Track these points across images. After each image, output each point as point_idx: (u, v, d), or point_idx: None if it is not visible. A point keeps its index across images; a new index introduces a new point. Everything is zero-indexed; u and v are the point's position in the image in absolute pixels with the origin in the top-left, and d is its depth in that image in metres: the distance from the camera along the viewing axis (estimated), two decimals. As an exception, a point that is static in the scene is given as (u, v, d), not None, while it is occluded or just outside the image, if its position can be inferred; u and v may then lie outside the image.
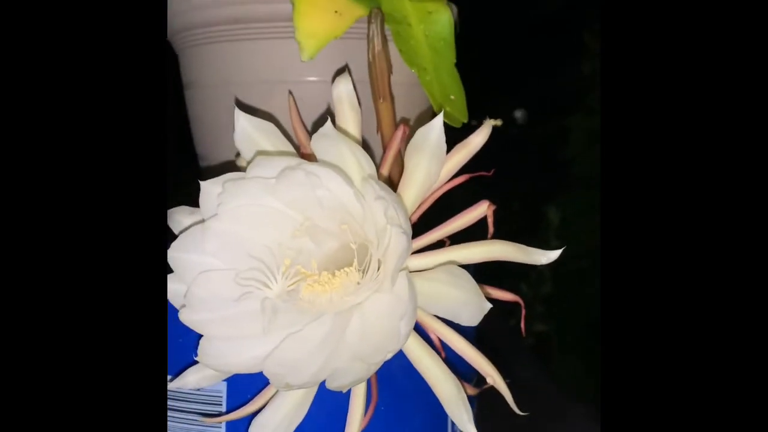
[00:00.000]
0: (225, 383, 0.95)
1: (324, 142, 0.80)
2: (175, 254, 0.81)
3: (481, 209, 0.87)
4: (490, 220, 0.87)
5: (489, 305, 0.74)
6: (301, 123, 0.91)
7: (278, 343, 0.81)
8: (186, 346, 0.92)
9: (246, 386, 0.95)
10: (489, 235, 0.87)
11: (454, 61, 0.94)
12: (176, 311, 0.83)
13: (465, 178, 0.86)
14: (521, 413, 0.81)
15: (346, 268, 0.80)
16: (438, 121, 0.78)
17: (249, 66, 1.05)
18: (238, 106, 0.86)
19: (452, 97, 0.91)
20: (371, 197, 0.77)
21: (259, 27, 1.03)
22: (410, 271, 0.80)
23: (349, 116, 0.86)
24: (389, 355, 0.75)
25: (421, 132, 0.79)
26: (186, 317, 0.80)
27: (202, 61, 1.07)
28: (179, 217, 0.87)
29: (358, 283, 0.80)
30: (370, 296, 0.81)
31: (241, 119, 0.84)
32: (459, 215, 0.87)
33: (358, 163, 0.79)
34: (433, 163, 0.80)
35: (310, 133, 0.84)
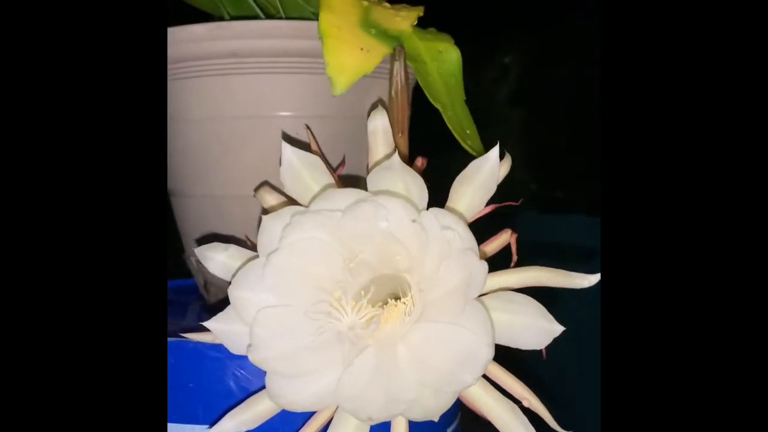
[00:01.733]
0: (239, 428, 0.92)
1: (384, 174, 0.80)
2: (236, 293, 0.78)
3: (504, 237, 0.90)
4: (513, 248, 0.90)
5: (560, 328, 0.77)
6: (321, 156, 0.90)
7: (336, 378, 0.79)
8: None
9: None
10: (512, 263, 0.90)
11: (464, 97, 0.97)
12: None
13: (492, 208, 0.89)
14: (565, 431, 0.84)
15: (403, 299, 0.80)
16: (494, 154, 0.80)
17: (240, 100, 1.03)
18: (285, 140, 0.84)
19: (468, 131, 0.94)
20: (436, 228, 0.77)
21: (253, 61, 1.01)
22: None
23: (381, 150, 0.86)
24: (468, 380, 0.75)
25: (475, 164, 0.81)
26: (254, 357, 0.76)
27: (189, 94, 1.03)
28: (212, 254, 0.83)
29: (406, 314, 0.80)
30: (418, 326, 0.82)
31: (288, 151, 0.83)
32: (483, 244, 0.89)
33: (418, 195, 0.80)
34: (478, 194, 0.83)
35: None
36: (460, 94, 0.96)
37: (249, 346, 0.77)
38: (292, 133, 1.01)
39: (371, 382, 0.79)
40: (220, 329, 0.79)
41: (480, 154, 0.92)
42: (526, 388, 0.86)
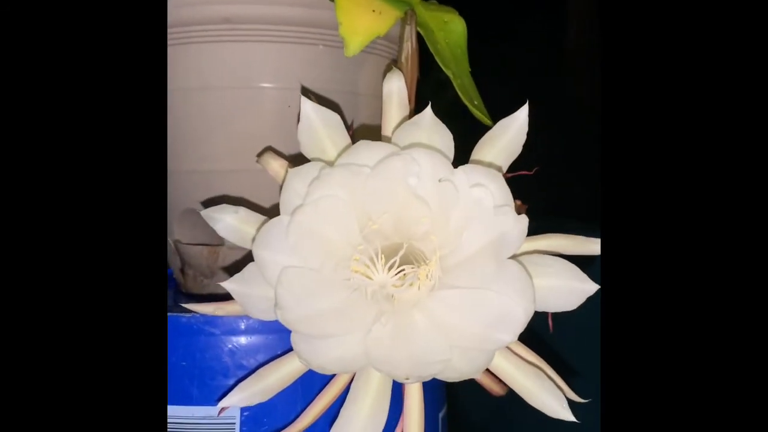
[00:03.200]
0: (238, 410, 0.85)
1: (411, 131, 0.75)
2: (259, 252, 0.72)
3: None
4: None
5: (594, 287, 0.74)
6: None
7: (357, 343, 0.74)
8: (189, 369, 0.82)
9: (260, 412, 0.86)
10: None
11: (469, 69, 0.94)
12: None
13: (506, 176, 0.86)
14: (583, 400, 0.81)
15: (427, 263, 0.75)
16: (522, 113, 0.77)
17: (230, 70, 0.97)
18: (304, 95, 0.78)
19: (475, 102, 0.91)
20: (465, 186, 0.73)
21: (246, 28, 0.96)
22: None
23: (395, 115, 0.82)
24: (506, 338, 0.71)
25: (502, 123, 0.78)
26: (284, 317, 0.70)
27: (175, 62, 0.97)
28: (221, 216, 0.77)
29: (428, 278, 0.76)
30: (436, 293, 0.77)
31: (308, 107, 0.77)
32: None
33: (449, 153, 0.76)
34: (502, 156, 0.79)
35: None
36: (465, 66, 0.93)
37: (276, 305, 0.71)
38: (283, 107, 0.96)
39: (393, 346, 0.74)
40: (238, 291, 0.73)
41: (489, 120, 0.89)
42: (540, 358, 0.82)
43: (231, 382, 0.87)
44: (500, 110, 0.83)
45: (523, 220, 0.72)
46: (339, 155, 0.74)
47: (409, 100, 0.89)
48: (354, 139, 0.79)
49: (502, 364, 0.78)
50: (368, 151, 0.73)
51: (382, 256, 0.74)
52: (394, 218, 0.77)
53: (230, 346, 0.87)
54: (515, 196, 0.83)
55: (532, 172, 0.88)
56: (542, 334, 0.83)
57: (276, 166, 0.84)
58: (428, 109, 0.74)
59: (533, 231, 0.82)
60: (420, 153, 0.72)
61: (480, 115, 0.88)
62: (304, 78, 0.96)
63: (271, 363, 0.78)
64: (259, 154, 0.87)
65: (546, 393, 0.76)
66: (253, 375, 0.78)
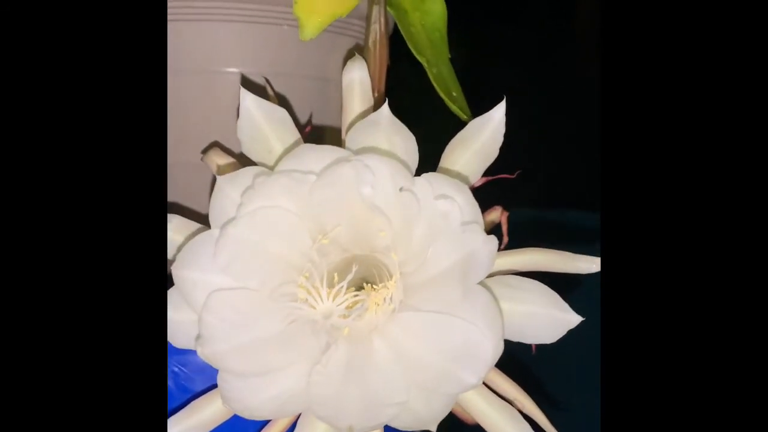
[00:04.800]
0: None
1: (368, 131, 0.63)
2: (180, 273, 0.60)
3: (494, 215, 0.74)
4: (504, 228, 0.75)
5: (577, 318, 0.62)
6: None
7: (303, 378, 0.62)
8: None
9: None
10: (502, 245, 0.75)
11: (449, 56, 0.81)
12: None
13: (483, 181, 0.73)
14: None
15: (383, 284, 0.64)
16: (498, 113, 0.65)
17: (187, 52, 0.84)
18: (245, 87, 0.66)
19: (454, 93, 0.78)
20: (429, 197, 0.61)
21: (205, 6, 0.83)
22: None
23: (357, 107, 0.70)
24: (469, 379, 0.60)
25: (475, 123, 0.65)
26: (204, 351, 0.59)
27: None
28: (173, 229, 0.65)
29: (387, 302, 0.64)
30: (399, 316, 0.65)
31: (248, 101, 0.65)
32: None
33: (408, 158, 0.64)
34: (476, 161, 0.67)
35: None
36: (444, 52, 0.81)
37: (197, 337, 0.59)
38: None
39: (345, 382, 0.62)
40: (171, 320, 0.62)
41: (466, 115, 0.77)
42: (519, 388, 0.70)
43: (174, 405, 0.76)
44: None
45: (493, 241, 0.60)
46: (279, 160, 0.62)
47: (378, 90, 0.77)
48: (323, 138, 0.67)
49: (471, 397, 0.67)
50: (314, 155, 0.61)
51: (330, 278, 0.63)
52: (351, 230, 0.65)
53: (172, 366, 0.76)
54: (504, 195, 0.72)
55: (513, 175, 0.75)
56: (522, 357, 0.71)
57: (221, 164, 0.72)
58: (385, 107, 0.62)
59: (535, 220, 0.70)
60: (374, 159, 0.60)
61: (457, 109, 0.76)
62: (271, 61, 0.84)
63: (207, 393, 0.67)
64: (204, 150, 0.75)
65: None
66: (188, 406, 0.67)
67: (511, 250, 0.70)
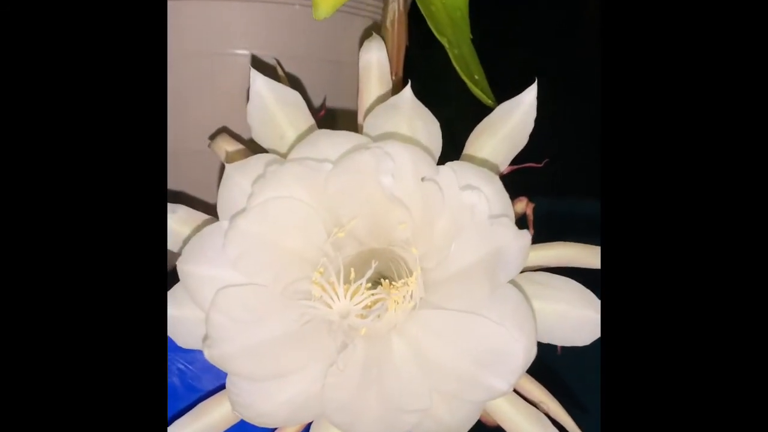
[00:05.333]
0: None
1: (388, 115, 0.58)
2: (187, 268, 0.55)
3: (518, 207, 0.70)
4: (529, 221, 0.70)
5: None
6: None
7: (318, 382, 0.58)
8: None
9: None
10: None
11: (470, 36, 0.76)
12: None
13: (510, 170, 0.68)
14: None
15: (407, 279, 0.59)
16: (529, 96, 0.60)
17: (192, 33, 0.79)
18: (255, 68, 0.61)
19: (476, 77, 0.73)
20: (454, 187, 0.56)
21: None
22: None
23: (374, 91, 0.65)
24: (498, 386, 0.55)
25: (504, 107, 0.60)
26: (212, 353, 0.54)
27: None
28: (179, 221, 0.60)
29: (407, 299, 0.59)
30: (419, 314, 0.61)
31: (259, 83, 0.60)
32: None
33: (432, 145, 0.59)
34: (504, 148, 0.62)
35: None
36: (465, 32, 0.75)
37: (205, 338, 0.55)
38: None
39: (362, 385, 0.58)
40: (171, 317, 0.57)
41: (491, 100, 0.72)
42: (544, 389, 0.66)
43: (181, 406, 0.71)
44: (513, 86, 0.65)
45: (525, 237, 0.55)
46: (291, 147, 0.57)
47: (396, 73, 0.72)
48: (336, 124, 0.62)
49: (497, 402, 0.62)
50: (329, 142, 0.56)
51: (347, 273, 0.58)
52: (368, 222, 0.60)
53: (178, 364, 0.72)
54: (521, 188, 0.67)
55: (541, 164, 0.70)
56: (547, 356, 0.66)
57: (230, 151, 0.67)
58: (408, 89, 0.57)
59: (546, 211, 0.66)
60: (395, 146, 0.56)
61: (480, 93, 0.70)
62: (282, 43, 0.78)
63: (215, 395, 0.62)
64: (212, 136, 0.70)
65: None
66: (194, 409, 0.63)
67: (538, 245, 0.65)
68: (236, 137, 0.71)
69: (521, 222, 0.70)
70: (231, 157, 0.67)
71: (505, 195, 0.57)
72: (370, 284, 0.61)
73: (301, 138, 0.60)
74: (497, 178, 0.57)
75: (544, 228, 0.69)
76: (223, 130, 0.71)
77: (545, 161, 0.69)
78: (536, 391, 0.65)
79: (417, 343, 0.60)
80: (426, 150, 0.58)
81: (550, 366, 0.68)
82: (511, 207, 0.57)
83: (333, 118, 0.77)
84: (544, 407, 0.65)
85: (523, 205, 0.69)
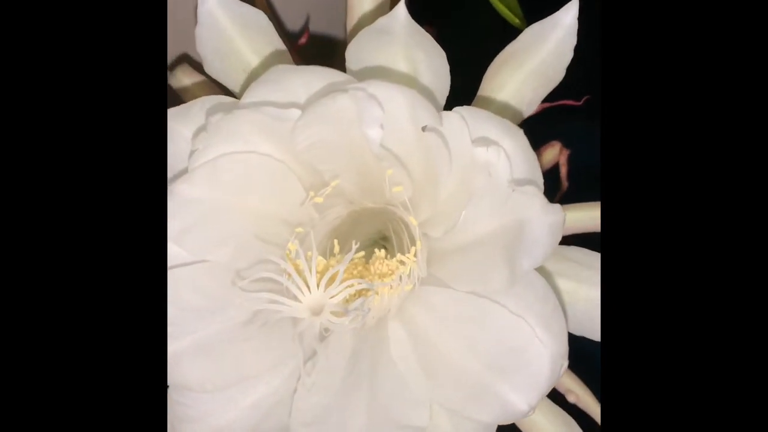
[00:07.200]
0: None
1: (379, 42, 0.43)
2: None
3: (550, 154, 0.55)
4: (563, 170, 0.57)
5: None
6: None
7: (286, 386, 0.45)
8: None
9: None
10: (560, 192, 0.55)
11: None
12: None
13: (540, 108, 0.52)
14: None
15: (404, 257, 0.45)
16: (569, 16, 0.44)
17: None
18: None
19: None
20: (464, 140, 0.41)
21: None
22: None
23: (365, 3, 0.49)
24: (517, 404, 0.41)
25: (533, 32, 0.45)
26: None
27: None
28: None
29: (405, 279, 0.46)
30: (423, 291, 0.48)
31: (210, 2, 0.45)
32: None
33: (436, 81, 0.44)
34: (532, 84, 0.48)
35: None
36: None
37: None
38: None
39: (345, 389, 0.45)
40: None
41: (521, 22, 0.55)
42: (575, 376, 0.53)
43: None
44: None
45: (556, 212, 0.40)
46: (245, 85, 0.43)
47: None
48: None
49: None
50: (295, 79, 0.41)
51: (330, 247, 0.45)
52: (356, 178, 0.47)
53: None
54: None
55: (580, 102, 0.56)
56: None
57: (189, 83, 0.52)
58: (401, 6, 0.41)
59: (585, 162, 0.54)
60: (384, 88, 0.40)
61: (505, 10, 0.54)
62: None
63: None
64: (171, 66, 0.55)
65: None
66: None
67: (574, 204, 0.51)
68: (199, 68, 0.55)
69: (553, 173, 0.56)
70: (191, 93, 0.52)
71: (532, 153, 0.42)
72: (363, 253, 0.48)
73: (261, 70, 0.46)
74: (521, 132, 0.42)
75: (583, 181, 0.54)
76: (184, 58, 0.56)
77: (585, 98, 0.54)
78: (564, 378, 0.51)
79: (418, 329, 0.48)
80: (428, 92, 0.42)
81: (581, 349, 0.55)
82: (539, 169, 0.42)
83: (327, 47, 0.61)
84: (573, 397, 0.53)
85: (556, 151, 0.56)
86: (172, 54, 0.59)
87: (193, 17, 0.58)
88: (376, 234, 0.53)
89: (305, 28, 0.57)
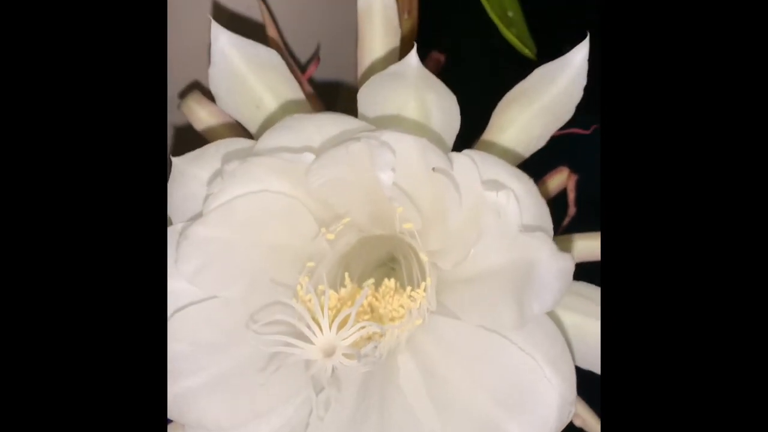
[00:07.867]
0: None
1: (391, 87, 0.43)
2: None
3: (558, 179, 0.55)
4: (570, 196, 0.57)
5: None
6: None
7: (293, 415, 0.46)
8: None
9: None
10: (568, 217, 0.56)
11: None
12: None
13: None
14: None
15: (413, 292, 0.46)
16: (579, 56, 0.44)
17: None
18: (215, 19, 0.46)
19: (510, 14, 0.56)
20: (474, 183, 0.42)
21: None
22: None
23: (378, 40, 0.49)
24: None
25: (544, 71, 0.45)
26: (171, 392, 0.43)
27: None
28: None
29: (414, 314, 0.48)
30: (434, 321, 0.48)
31: (223, 41, 0.45)
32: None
33: (445, 124, 0.44)
34: (540, 122, 0.47)
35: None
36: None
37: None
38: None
39: (356, 419, 0.46)
40: None
41: (529, 50, 0.55)
42: (580, 399, 0.53)
43: None
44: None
45: (565, 259, 0.40)
46: (257, 119, 0.43)
47: (409, 12, 0.56)
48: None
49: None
50: (311, 125, 0.41)
51: (341, 279, 0.45)
52: (367, 209, 0.47)
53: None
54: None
55: (588, 131, 0.55)
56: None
57: (204, 115, 0.52)
58: (413, 53, 0.41)
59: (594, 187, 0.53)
60: (396, 136, 0.40)
61: (516, 41, 0.54)
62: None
63: None
64: (182, 95, 0.55)
65: None
66: None
67: (583, 234, 0.51)
68: (209, 94, 0.55)
69: (561, 199, 0.56)
70: (202, 121, 0.52)
71: (541, 199, 0.42)
72: (372, 279, 0.48)
73: (283, 109, 0.46)
74: (530, 179, 0.42)
75: (593, 208, 0.55)
76: (195, 87, 0.56)
77: (594, 127, 0.54)
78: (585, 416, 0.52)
79: (427, 361, 0.49)
80: (437, 135, 0.43)
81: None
82: (549, 216, 0.42)
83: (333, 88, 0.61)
84: (579, 421, 0.53)
85: (564, 177, 0.55)
86: (182, 82, 0.59)
87: (202, 44, 0.58)
88: (386, 255, 0.53)
89: (315, 57, 0.57)
